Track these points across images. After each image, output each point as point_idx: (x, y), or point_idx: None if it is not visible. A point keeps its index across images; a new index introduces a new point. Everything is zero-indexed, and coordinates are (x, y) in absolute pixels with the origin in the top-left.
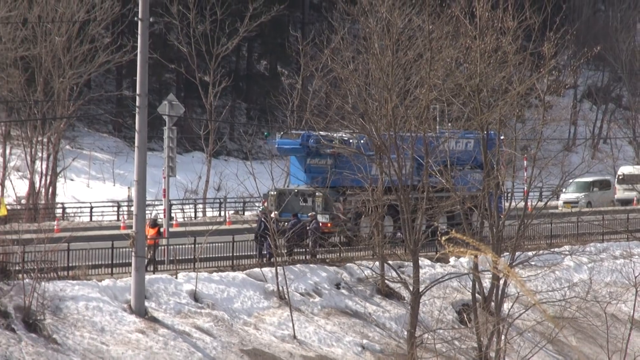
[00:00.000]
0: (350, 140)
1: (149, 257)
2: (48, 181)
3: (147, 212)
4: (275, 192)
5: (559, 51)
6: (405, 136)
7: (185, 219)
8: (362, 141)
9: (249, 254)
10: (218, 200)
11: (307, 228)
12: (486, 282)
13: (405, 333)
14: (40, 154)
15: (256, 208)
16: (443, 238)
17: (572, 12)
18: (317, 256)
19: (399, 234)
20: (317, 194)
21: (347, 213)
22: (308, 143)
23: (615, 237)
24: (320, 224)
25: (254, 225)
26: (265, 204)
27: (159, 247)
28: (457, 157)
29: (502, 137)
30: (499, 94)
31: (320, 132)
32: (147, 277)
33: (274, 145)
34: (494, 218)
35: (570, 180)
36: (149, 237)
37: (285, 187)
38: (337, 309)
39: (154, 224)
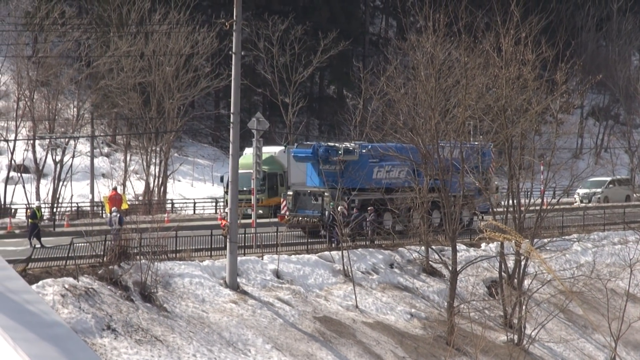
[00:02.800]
0: (356, 150)
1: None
2: (160, 182)
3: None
4: (292, 193)
5: (568, 78)
6: (445, 146)
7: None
8: (364, 150)
9: (320, 240)
10: None
11: (367, 220)
12: (510, 263)
13: (445, 304)
14: (154, 160)
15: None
16: (482, 224)
17: (579, 47)
18: (375, 242)
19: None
20: (325, 193)
21: (353, 209)
22: (318, 152)
23: (614, 227)
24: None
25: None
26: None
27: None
28: (455, 164)
29: (492, 149)
30: (520, 113)
31: (329, 143)
32: (239, 258)
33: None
34: (517, 212)
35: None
36: (222, 227)
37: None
38: (390, 284)
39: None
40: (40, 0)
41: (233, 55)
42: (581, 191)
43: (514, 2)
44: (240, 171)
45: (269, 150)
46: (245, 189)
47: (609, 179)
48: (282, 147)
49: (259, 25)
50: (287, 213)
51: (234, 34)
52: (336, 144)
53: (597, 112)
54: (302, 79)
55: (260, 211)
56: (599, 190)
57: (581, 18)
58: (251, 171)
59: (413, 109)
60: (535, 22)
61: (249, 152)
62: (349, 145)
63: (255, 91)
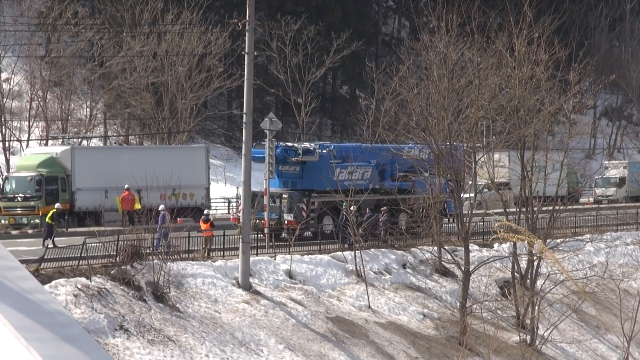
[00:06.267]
0: (316, 150)
1: (207, 248)
2: None
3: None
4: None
5: (581, 78)
6: (458, 146)
7: None
8: (324, 151)
9: (333, 240)
10: None
11: (380, 220)
12: (523, 263)
13: (458, 304)
14: None
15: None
16: (496, 224)
17: (592, 47)
18: (387, 242)
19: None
20: (283, 195)
21: (311, 212)
22: (275, 152)
23: (627, 227)
24: (287, 222)
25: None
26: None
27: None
28: (418, 164)
29: (464, 147)
30: (533, 113)
31: (287, 144)
32: (252, 258)
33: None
34: (529, 212)
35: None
36: (203, 230)
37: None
38: (403, 285)
39: (207, 219)
40: (53, 0)
41: (246, 56)
42: None
43: (527, 2)
44: (16, 174)
45: (48, 151)
46: (22, 195)
47: (482, 182)
48: (67, 147)
49: (271, 26)
50: None
51: (246, 34)
52: (295, 144)
53: (610, 112)
54: (315, 79)
55: (37, 220)
56: (471, 195)
57: (594, 18)
58: (29, 174)
59: (426, 109)
60: (548, 23)
61: (28, 152)
62: (308, 146)
63: (268, 91)
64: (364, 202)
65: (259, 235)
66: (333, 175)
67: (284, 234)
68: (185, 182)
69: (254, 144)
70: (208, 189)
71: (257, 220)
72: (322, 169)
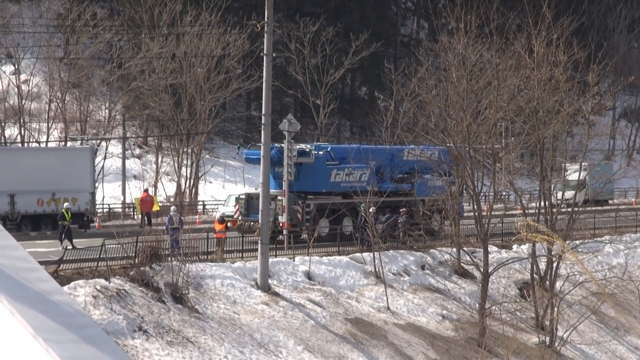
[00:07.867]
0: (312, 152)
1: (219, 250)
2: (191, 183)
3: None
4: (244, 196)
5: (600, 80)
6: (478, 148)
7: None
8: (320, 152)
9: (351, 241)
10: None
11: (399, 221)
12: (542, 265)
13: (477, 305)
14: (185, 162)
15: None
16: (519, 224)
17: (611, 48)
18: (406, 243)
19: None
20: (278, 197)
21: (307, 214)
22: (270, 154)
23: None
24: (281, 224)
25: None
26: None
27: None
28: (424, 165)
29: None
30: (552, 114)
31: (282, 145)
32: (270, 260)
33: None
34: (549, 214)
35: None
36: (217, 231)
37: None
38: (422, 286)
39: (222, 220)
40: (72, 2)
41: (264, 57)
42: None
43: (545, 3)
44: None
45: None
46: None
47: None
48: None
49: (290, 27)
50: (240, 217)
51: (265, 35)
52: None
53: (629, 113)
54: (334, 81)
55: None
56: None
57: (613, 19)
58: None
59: (444, 111)
60: (567, 24)
61: None
62: (304, 147)
63: (286, 93)
64: (370, 203)
65: (244, 238)
66: (329, 177)
67: (280, 237)
68: (67, 186)
69: (249, 145)
70: (93, 194)
71: (252, 223)
72: (318, 171)
